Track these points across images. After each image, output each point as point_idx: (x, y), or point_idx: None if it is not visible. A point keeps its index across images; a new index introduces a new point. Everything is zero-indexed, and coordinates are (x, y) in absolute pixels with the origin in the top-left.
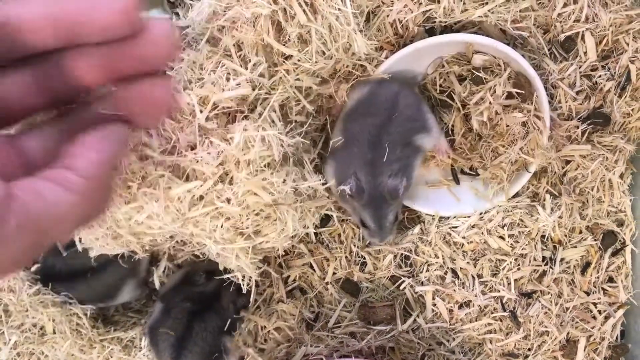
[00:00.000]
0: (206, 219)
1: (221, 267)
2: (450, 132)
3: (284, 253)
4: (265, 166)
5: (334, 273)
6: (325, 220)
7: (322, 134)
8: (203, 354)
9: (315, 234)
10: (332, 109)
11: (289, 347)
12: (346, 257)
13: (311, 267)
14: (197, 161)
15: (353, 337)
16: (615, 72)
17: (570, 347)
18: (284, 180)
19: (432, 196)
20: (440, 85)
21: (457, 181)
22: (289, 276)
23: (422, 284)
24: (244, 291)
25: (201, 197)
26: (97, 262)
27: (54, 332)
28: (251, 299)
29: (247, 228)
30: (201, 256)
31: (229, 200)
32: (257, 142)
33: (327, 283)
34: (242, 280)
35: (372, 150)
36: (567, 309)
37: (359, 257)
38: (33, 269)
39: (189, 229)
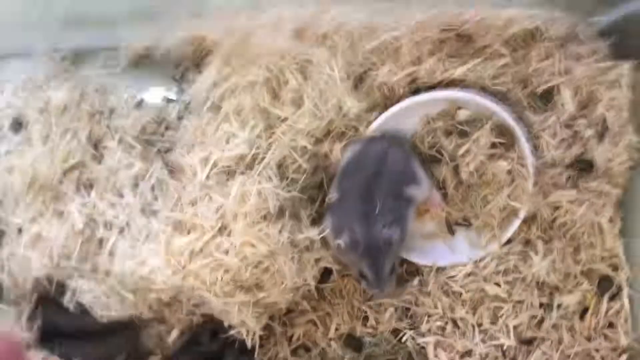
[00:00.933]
0: (206, 270)
1: (225, 324)
2: (441, 186)
3: (287, 311)
4: (261, 218)
5: (337, 329)
6: (327, 275)
7: (319, 191)
8: None
9: (317, 289)
10: (329, 167)
11: None
12: (348, 312)
13: (314, 324)
14: (197, 215)
15: None
16: (593, 121)
17: None
18: (280, 231)
19: (428, 247)
20: (429, 142)
21: (452, 232)
22: (292, 334)
23: (424, 335)
24: (249, 346)
25: (201, 250)
26: (103, 324)
27: None
28: (255, 357)
29: (246, 281)
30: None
31: (227, 252)
32: (253, 195)
33: (330, 339)
34: (247, 335)
35: (364, 203)
36: (569, 356)
37: (360, 311)
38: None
39: (190, 282)
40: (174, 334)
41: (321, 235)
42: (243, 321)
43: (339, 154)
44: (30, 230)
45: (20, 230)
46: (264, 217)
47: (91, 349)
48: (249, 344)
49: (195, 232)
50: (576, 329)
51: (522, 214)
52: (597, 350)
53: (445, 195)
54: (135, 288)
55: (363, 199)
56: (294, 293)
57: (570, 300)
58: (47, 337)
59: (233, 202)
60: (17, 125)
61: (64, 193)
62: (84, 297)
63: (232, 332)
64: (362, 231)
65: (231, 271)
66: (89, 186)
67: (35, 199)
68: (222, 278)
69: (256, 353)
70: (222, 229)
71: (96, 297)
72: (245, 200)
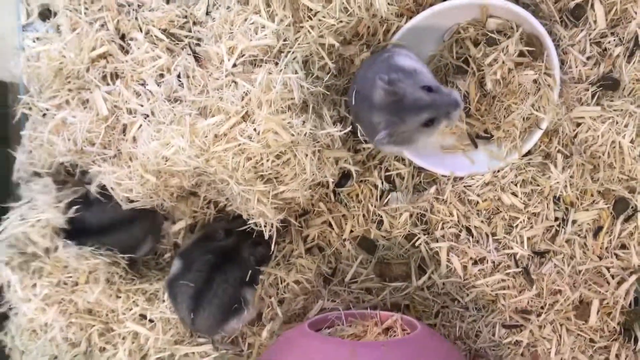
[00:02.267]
0: (228, 154)
1: (244, 215)
2: (465, 99)
3: (303, 212)
4: (286, 108)
5: (352, 231)
6: (344, 180)
7: (342, 97)
8: (222, 306)
9: (334, 193)
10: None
11: (307, 299)
12: (363, 215)
13: (330, 225)
14: (222, 100)
15: (369, 292)
16: (624, 39)
17: (583, 309)
18: (303, 123)
19: (447, 159)
20: (457, 52)
21: (475, 145)
22: (308, 235)
23: (437, 240)
24: (266, 237)
25: (225, 134)
26: (125, 216)
27: (87, 282)
28: (272, 249)
29: (267, 171)
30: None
31: (250, 138)
32: (278, 84)
33: (344, 240)
34: (264, 226)
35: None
36: (580, 271)
37: (376, 215)
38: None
39: (213, 166)
40: (181, 224)
41: (341, 133)
42: (262, 212)
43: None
44: (55, 117)
45: (44, 116)
46: (289, 108)
47: (117, 239)
48: (266, 234)
49: (220, 115)
50: (589, 246)
51: (544, 125)
52: (607, 269)
53: (467, 109)
54: (157, 170)
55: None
56: (312, 190)
57: (585, 217)
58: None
59: (258, 89)
60: (47, 12)
61: (90, 82)
62: (106, 179)
63: (250, 222)
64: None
65: (253, 158)
66: (115, 76)
67: (61, 86)
68: (244, 165)
69: (273, 244)
70: (247, 116)
71: (118, 179)
72: (271, 88)
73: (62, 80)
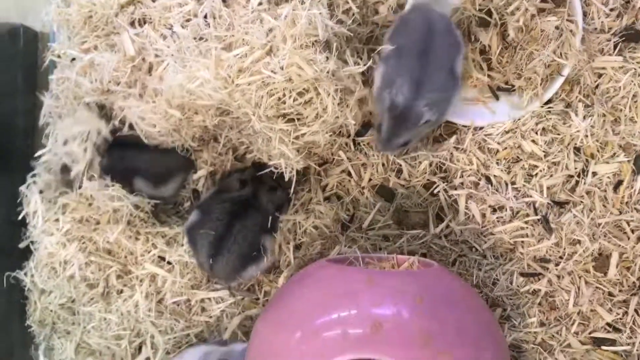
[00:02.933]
0: (252, 88)
1: (265, 158)
2: (486, 51)
3: (322, 161)
4: (310, 44)
5: (370, 179)
6: (365, 129)
7: (365, 46)
8: (241, 253)
9: (354, 143)
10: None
11: (324, 244)
12: (383, 164)
13: (349, 174)
14: (247, 33)
15: (386, 239)
16: None
17: (602, 261)
18: (327, 59)
19: (468, 110)
20: (479, 4)
21: (497, 97)
22: (327, 184)
23: (456, 188)
24: (286, 179)
25: (249, 68)
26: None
27: (108, 222)
28: (291, 193)
29: (289, 109)
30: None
31: (274, 71)
32: (303, 19)
33: (363, 188)
34: (285, 168)
35: (420, 68)
36: (600, 224)
37: (395, 164)
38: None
39: (236, 99)
40: (202, 172)
41: (363, 69)
42: (283, 152)
43: (388, 12)
44: (83, 59)
45: (73, 60)
46: (312, 44)
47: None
48: (287, 176)
49: (245, 47)
50: (609, 200)
51: (566, 71)
52: (627, 223)
53: (489, 61)
54: (182, 105)
55: (419, 60)
56: (333, 135)
57: (605, 169)
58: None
59: (283, 23)
60: None
61: (119, 27)
62: (130, 114)
63: (271, 163)
64: (407, 97)
65: (276, 94)
66: (143, 22)
67: (90, 32)
68: (266, 100)
69: (292, 188)
70: (271, 51)
71: (143, 113)
72: (296, 23)
73: (91, 27)
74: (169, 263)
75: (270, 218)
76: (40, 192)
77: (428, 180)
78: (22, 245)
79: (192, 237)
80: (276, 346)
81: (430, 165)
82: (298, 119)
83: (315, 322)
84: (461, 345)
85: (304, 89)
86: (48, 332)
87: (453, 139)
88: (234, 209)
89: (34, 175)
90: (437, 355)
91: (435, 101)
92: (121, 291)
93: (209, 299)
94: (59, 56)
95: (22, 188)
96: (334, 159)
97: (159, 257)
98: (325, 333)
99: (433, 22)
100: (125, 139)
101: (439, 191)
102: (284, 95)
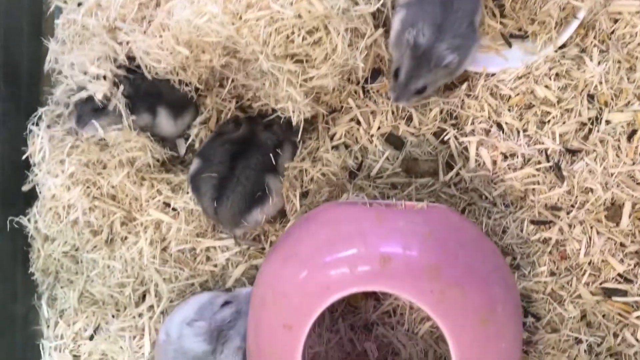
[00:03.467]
0: (260, 23)
1: (272, 103)
2: None
3: (331, 110)
4: None
5: (379, 127)
6: (375, 76)
7: None
8: (246, 193)
9: (364, 91)
10: None
11: (331, 192)
12: (392, 112)
13: (357, 122)
14: None
15: (394, 187)
16: None
17: (614, 210)
18: None
19: (480, 58)
20: None
21: (509, 44)
22: (335, 133)
23: (467, 135)
24: (294, 123)
25: (257, 3)
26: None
27: (115, 167)
28: (299, 137)
29: (297, 49)
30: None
31: (283, 6)
32: None
33: (371, 136)
34: (292, 112)
35: (443, 13)
36: (612, 174)
37: (405, 111)
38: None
39: (244, 36)
40: (206, 115)
41: (374, 9)
42: (290, 95)
43: None
44: (89, 0)
45: (80, 4)
46: None
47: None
48: (294, 120)
49: None
50: (622, 149)
51: (581, 14)
52: None
53: (502, 8)
54: (189, 41)
55: (442, 8)
56: (342, 77)
57: (619, 118)
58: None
59: None
60: None
61: None
62: (136, 48)
63: (278, 107)
64: (429, 38)
65: (285, 31)
66: None
67: None
68: (275, 38)
69: (300, 133)
70: None
71: (149, 47)
72: None
73: None
74: (174, 210)
75: (271, 156)
76: (48, 126)
77: (438, 127)
78: (25, 188)
79: (195, 185)
80: (283, 282)
81: (441, 112)
82: (307, 61)
83: (323, 259)
84: (471, 279)
85: (313, 27)
86: (51, 281)
87: (464, 85)
88: (234, 150)
89: (40, 118)
90: (446, 288)
91: (456, 46)
92: (125, 238)
93: (214, 247)
94: (65, 1)
95: (29, 125)
96: (342, 107)
97: (164, 203)
98: (332, 269)
99: None
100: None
101: (449, 138)
102: (293, 33)
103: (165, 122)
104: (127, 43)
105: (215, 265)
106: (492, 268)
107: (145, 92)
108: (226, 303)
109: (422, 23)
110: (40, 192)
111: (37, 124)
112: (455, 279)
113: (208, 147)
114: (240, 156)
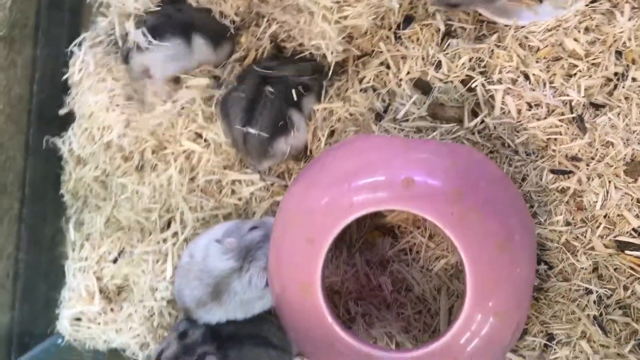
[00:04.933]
0: None
1: (306, 41)
2: None
3: (361, 54)
4: None
5: (408, 72)
6: (407, 22)
7: None
8: (270, 119)
9: (395, 35)
10: None
11: (357, 131)
12: (422, 57)
13: (387, 66)
14: None
15: (419, 131)
16: None
17: (634, 166)
18: None
19: (511, 11)
20: None
21: None
22: (364, 77)
23: (494, 84)
24: (329, 59)
25: None
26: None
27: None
28: (329, 74)
29: None
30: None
31: None
32: None
33: (400, 80)
34: (327, 51)
35: None
36: (635, 131)
37: (435, 58)
38: None
39: None
40: (240, 54)
41: None
42: (324, 32)
43: None
44: None
45: None
46: None
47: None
48: (329, 57)
49: None
50: None
51: None
52: None
53: None
54: None
55: None
56: (376, 19)
57: None
58: None
59: None
60: None
61: None
62: None
63: (311, 43)
64: None
65: None
66: None
67: None
68: None
69: (331, 71)
70: None
71: None
72: None
73: None
74: (205, 140)
75: (293, 92)
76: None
77: (467, 75)
78: (62, 111)
79: (225, 107)
80: (307, 203)
81: (470, 60)
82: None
83: (348, 184)
84: (490, 207)
85: None
86: (80, 205)
87: (495, 36)
88: (262, 75)
89: (81, 43)
90: (466, 212)
91: None
92: (155, 165)
93: (240, 181)
94: None
95: (71, 47)
96: (373, 50)
97: (196, 133)
98: (356, 192)
99: None
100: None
101: (476, 86)
102: None
103: (204, 49)
104: None
105: (240, 199)
106: (512, 202)
107: (177, 21)
108: (254, 228)
109: None
110: (77, 113)
111: (80, 47)
112: (476, 205)
113: (241, 75)
114: (267, 82)
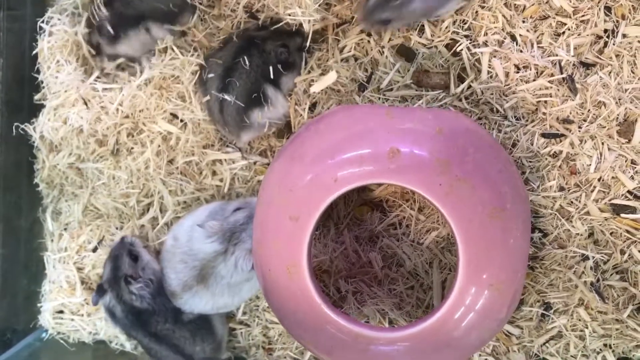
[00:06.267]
0: None
1: (281, 10)
2: None
3: (341, 22)
4: None
5: (390, 39)
6: None
7: None
8: (245, 89)
9: None
10: None
11: (339, 103)
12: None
13: (368, 34)
14: None
15: (404, 100)
16: None
17: (627, 126)
18: None
19: None
20: None
21: None
22: (345, 46)
23: (480, 47)
24: (306, 29)
25: None
26: None
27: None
28: (307, 44)
29: None
30: None
31: None
32: None
33: (382, 47)
34: (304, 20)
35: None
36: (627, 89)
37: (417, 23)
38: None
39: None
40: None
41: None
42: (300, 0)
43: None
44: None
45: None
46: None
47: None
48: (306, 27)
49: None
50: (638, 64)
51: None
52: None
53: None
54: None
55: None
56: None
57: (636, 32)
58: None
59: None
60: None
61: None
62: None
63: (287, 12)
64: None
65: None
66: None
67: None
68: None
69: (309, 41)
70: None
71: None
72: None
73: None
74: (181, 121)
75: (270, 69)
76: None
77: (451, 39)
78: (37, 97)
79: (201, 74)
80: (290, 179)
81: (454, 23)
82: None
83: (332, 159)
84: (480, 175)
85: None
86: (56, 194)
87: None
88: (241, 44)
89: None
90: (454, 182)
91: None
92: (131, 149)
93: (220, 160)
94: None
95: (39, 22)
96: (353, 17)
97: (171, 114)
98: (341, 166)
99: None
100: None
101: (461, 49)
102: None
103: (162, 32)
104: None
105: (221, 180)
106: (503, 169)
107: (128, 17)
108: (238, 209)
109: None
110: (47, 96)
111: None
112: (464, 174)
113: (226, 40)
114: (244, 51)
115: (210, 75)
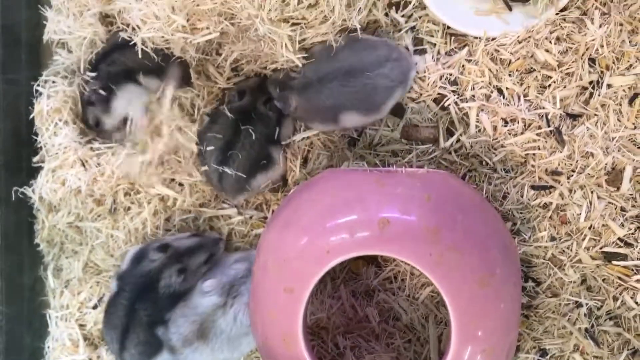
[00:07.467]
0: None
1: (269, 64)
2: None
3: None
4: None
5: None
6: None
7: None
8: (252, 158)
9: None
10: None
11: (331, 158)
12: None
13: None
14: None
15: (395, 155)
16: None
17: (615, 175)
18: None
19: (480, 21)
20: None
21: (509, 7)
22: None
23: (467, 101)
24: None
25: None
26: None
27: None
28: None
29: (294, 11)
30: None
31: None
32: None
33: None
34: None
35: None
36: (614, 138)
37: None
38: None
39: (239, 1)
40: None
41: None
42: (288, 59)
43: None
44: None
45: None
46: None
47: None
48: None
49: None
50: (623, 113)
51: None
52: None
53: None
54: (185, 10)
55: None
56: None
57: (620, 82)
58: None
59: None
60: None
61: None
62: (132, 16)
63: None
64: None
65: None
66: None
67: None
68: (270, 1)
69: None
70: None
71: (145, 17)
72: None
73: None
74: (180, 185)
75: (276, 129)
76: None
77: (439, 94)
78: (35, 159)
79: (199, 148)
80: (283, 248)
81: (441, 78)
82: (304, 23)
83: (323, 226)
84: (469, 242)
85: None
86: (56, 252)
87: (464, 50)
88: (237, 118)
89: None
90: (444, 251)
91: None
92: (129, 208)
93: (217, 217)
94: None
95: (35, 86)
96: None
97: (171, 179)
98: (332, 235)
99: None
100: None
101: (449, 104)
102: None
103: (152, 84)
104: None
105: (220, 234)
106: (492, 231)
107: (115, 74)
108: (237, 261)
109: None
110: (45, 159)
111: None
112: (454, 242)
113: (214, 114)
114: (245, 123)
115: (210, 148)
